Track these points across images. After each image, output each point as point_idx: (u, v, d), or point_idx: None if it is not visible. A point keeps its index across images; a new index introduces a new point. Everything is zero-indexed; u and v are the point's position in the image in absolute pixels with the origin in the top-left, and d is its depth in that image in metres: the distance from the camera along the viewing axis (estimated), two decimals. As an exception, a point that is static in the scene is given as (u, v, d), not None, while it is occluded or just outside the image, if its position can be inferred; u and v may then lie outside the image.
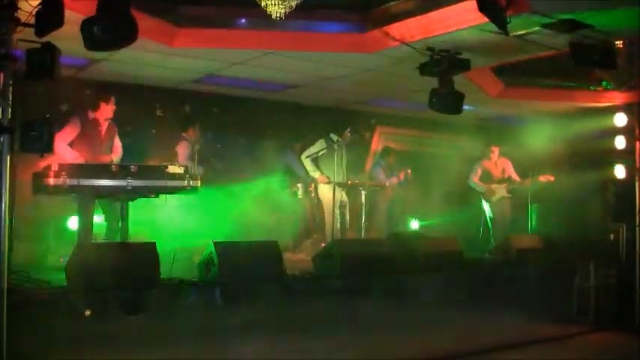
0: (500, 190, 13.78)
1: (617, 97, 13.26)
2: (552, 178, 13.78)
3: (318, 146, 12.09)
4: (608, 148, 13.84)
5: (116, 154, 10.13)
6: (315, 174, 11.88)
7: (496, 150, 14.14)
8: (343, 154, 11.82)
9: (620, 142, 13.51)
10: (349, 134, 12.43)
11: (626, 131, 13.55)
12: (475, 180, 13.93)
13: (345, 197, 12.05)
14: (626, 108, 13.33)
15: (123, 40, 7.41)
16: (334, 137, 12.10)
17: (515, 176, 14.01)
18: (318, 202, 12.66)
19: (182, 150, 11.32)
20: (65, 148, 9.63)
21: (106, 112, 10.03)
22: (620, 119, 13.58)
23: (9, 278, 6.60)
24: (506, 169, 14.05)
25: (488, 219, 14.02)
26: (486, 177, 13.89)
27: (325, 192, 12.14)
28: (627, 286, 10.08)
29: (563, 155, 15.37)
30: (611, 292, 9.47)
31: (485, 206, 14.02)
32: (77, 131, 9.81)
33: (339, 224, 11.99)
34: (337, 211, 11.97)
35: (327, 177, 11.70)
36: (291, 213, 13.13)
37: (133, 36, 7.31)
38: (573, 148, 14.99)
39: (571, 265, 10.26)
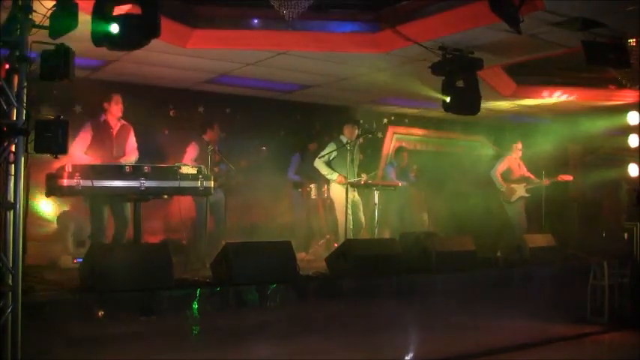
0: (520, 190, 13.68)
1: (631, 96, 13.21)
2: (571, 178, 13.67)
3: (329, 149, 12.07)
4: (621, 147, 13.80)
5: (129, 156, 10.02)
6: (333, 176, 11.82)
7: (519, 146, 14.02)
8: (355, 154, 11.78)
9: (633, 141, 13.47)
10: (360, 136, 12.40)
11: (639, 129, 13.51)
12: (497, 175, 13.81)
13: (357, 197, 12.01)
14: (639, 106, 13.28)
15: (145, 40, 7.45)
16: (344, 139, 12.09)
17: (530, 175, 13.92)
18: (330, 203, 12.65)
19: (189, 151, 11.32)
20: (81, 156, 9.65)
21: (113, 112, 9.97)
22: (634, 117, 13.53)
23: (23, 279, 6.63)
24: (521, 167, 13.99)
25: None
26: (507, 174, 13.80)
27: (337, 192, 12.13)
28: None
29: (576, 154, 15.34)
30: (626, 291, 9.44)
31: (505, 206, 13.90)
32: (91, 136, 9.81)
33: (351, 225, 11.97)
34: (349, 211, 11.97)
35: (345, 177, 11.66)
36: (303, 213, 13.15)
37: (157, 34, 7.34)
38: (586, 146, 14.95)
39: (584, 265, 10.22)
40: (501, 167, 13.85)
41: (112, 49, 7.51)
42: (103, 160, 9.55)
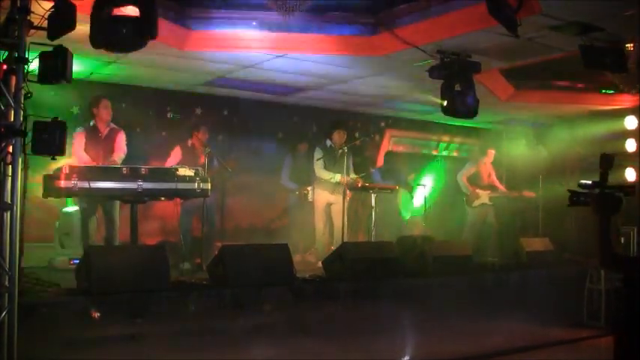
0: (483, 197, 13.68)
1: (628, 100, 13.22)
2: (534, 195, 13.73)
3: (317, 155, 12.10)
4: (618, 151, 13.80)
5: (117, 153, 10.01)
6: (336, 177, 11.82)
7: (492, 154, 14.06)
8: (344, 158, 11.77)
9: (630, 145, 13.50)
10: (350, 140, 12.43)
11: (636, 134, 13.53)
12: (464, 179, 13.82)
13: (333, 199, 11.97)
14: (636, 111, 13.29)
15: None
16: (328, 143, 12.12)
17: (498, 185, 13.95)
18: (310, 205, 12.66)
19: (173, 155, 11.26)
20: (84, 155, 9.66)
21: (101, 117, 9.98)
22: (631, 122, 13.57)
23: (20, 280, 6.63)
24: (491, 175, 14.00)
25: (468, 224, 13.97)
26: (474, 178, 13.82)
27: (319, 196, 12.14)
28: (638, 289, 10.05)
29: (573, 158, 15.34)
30: (622, 295, 9.42)
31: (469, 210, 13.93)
32: (84, 140, 9.83)
33: (322, 229, 12.05)
34: (323, 214, 12.03)
35: (347, 177, 11.68)
36: (300, 216, 13.14)
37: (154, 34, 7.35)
38: (584, 150, 14.94)
39: (582, 269, 10.22)
40: (468, 171, 13.87)
41: (109, 52, 7.53)
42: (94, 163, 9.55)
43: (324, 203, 12.03)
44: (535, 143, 15.27)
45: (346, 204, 11.90)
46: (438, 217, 14.73)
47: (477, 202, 13.65)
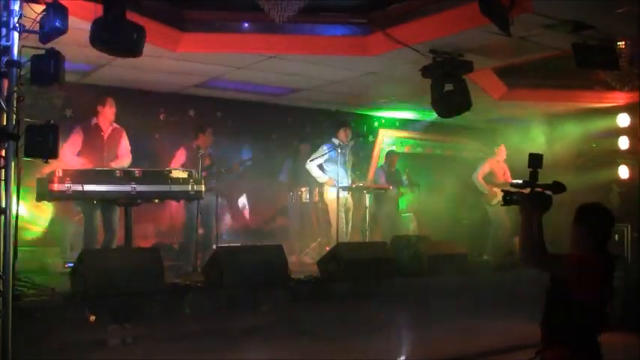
0: (501, 194, 13.65)
1: (620, 98, 13.24)
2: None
3: (320, 152, 12.11)
4: (611, 149, 13.83)
5: (122, 160, 9.87)
6: (323, 178, 11.90)
7: (503, 150, 14.03)
8: (348, 157, 11.84)
9: (623, 143, 13.52)
10: (353, 139, 12.45)
11: (629, 131, 13.56)
12: (479, 179, 13.80)
13: (350, 201, 12.06)
14: (629, 108, 13.33)
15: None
16: (336, 141, 12.12)
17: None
18: (323, 206, 12.66)
19: (178, 156, 11.20)
20: (73, 159, 9.57)
21: (106, 116, 9.85)
22: (624, 120, 13.60)
23: (14, 284, 6.61)
24: (505, 172, 14.00)
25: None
26: (489, 177, 13.80)
27: (332, 196, 12.15)
28: (633, 286, 10.09)
29: (567, 156, 15.36)
30: (617, 293, 9.43)
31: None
32: (81, 140, 9.71)
33: (344, 228, 12.03)
34: (342, 215, 12.01)
35: (335, 180, 11.71)
36: (296, 217, 13.14)
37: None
38: (577, 149, 14.96)
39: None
40: (483, 170, 13.83)
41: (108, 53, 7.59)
42: (94, 164, 9.40)
43: (342, 203, 12.03)
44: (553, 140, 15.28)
45: (347, 205, 11.98)
46: (436, 215, 14.74)
47: (495, 200, 13.64)
